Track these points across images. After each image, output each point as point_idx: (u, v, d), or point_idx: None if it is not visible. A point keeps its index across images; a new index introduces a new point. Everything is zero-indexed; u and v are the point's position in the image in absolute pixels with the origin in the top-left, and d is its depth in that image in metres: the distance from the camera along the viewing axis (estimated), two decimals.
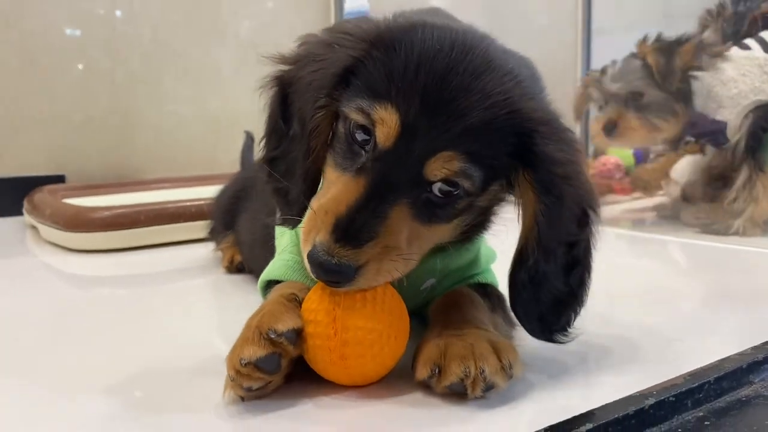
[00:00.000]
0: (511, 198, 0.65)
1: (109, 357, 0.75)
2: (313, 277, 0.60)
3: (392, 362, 0.62)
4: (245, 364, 0.57)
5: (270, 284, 0.77)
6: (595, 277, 0.65)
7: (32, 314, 0.94)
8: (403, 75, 0.59)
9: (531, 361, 0.66)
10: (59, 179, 1.85)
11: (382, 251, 0.58)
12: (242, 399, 0.59)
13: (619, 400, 0.56)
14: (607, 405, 0.55)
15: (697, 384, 0.59)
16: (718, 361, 0.64)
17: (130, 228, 1.35)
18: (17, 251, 1.44)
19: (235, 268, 1.12)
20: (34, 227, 1.53)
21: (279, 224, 0.75)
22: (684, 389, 0.58)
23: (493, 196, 0.66)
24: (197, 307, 1.00)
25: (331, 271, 0.57)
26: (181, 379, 0.67)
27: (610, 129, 1.74)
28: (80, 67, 1.91)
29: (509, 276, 0.65)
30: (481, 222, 0.70)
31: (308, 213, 0.61)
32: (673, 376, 0.61)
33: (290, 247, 0.76)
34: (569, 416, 0.54)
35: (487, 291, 0.76)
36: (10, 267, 1.31)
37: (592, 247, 0.65)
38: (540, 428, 0.52)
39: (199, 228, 1.33)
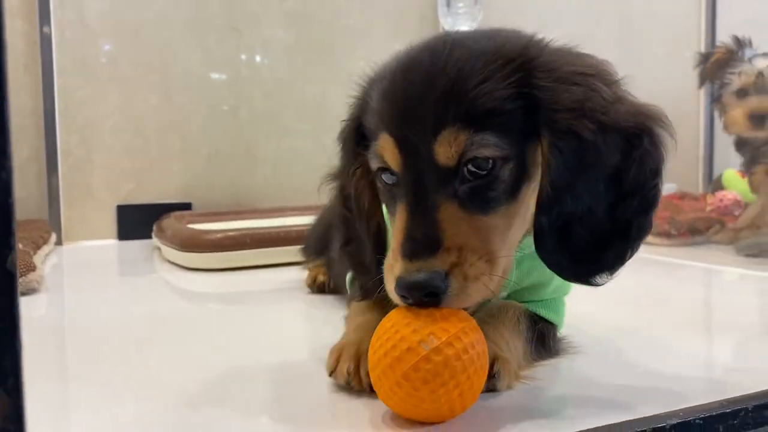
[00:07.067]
0: None
1: (197, 360, 0.84)
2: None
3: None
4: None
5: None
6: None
7: (142, 321, 1.07)
8: (380, 101, 0.63)
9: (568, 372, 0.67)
10: (186, 207, 2.03)
11: (460, 255, 0.57)
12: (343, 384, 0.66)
13: (642, 418, 0.57)
14: (626, 422, 0.56)
15: (731, 410, 0.58)
16: (766, 390, 0.62)
17: (237, 250, 1.47)
18: (143, 269, 1.61)
19: (317, 287, 1.20)
20: (159, 248, 1.70)
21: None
22: (715, 413, 0.57)
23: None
24: (288, 323, 1.07)
25: (425, 285, 0.56)
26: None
27: (760, 118, 1.62)
28: (225, 108, 2.12)
29: (532, 225, 0.62)
30: None
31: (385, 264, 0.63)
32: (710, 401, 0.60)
33: None
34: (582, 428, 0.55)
35: (537, 323, 0.76)
36: (136, 281, 1.49)
37: (649, 173, 0.60)
38: None
39: (299, 252, 1.41)
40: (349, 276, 0.87)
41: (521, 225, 0.65)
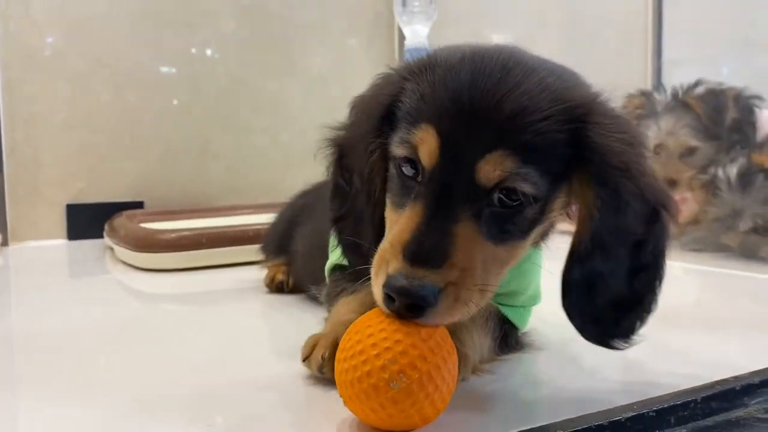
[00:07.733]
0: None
1: (154, 365, 0.82)
2: (386, 311, 0.57)
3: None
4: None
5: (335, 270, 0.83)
6: None
7: (94, 325, 1.03)
8: (433, 92, 0.60)
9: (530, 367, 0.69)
10: (138, 205, 1.99)
11: (460, 276, 0.56)
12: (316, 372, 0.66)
13: (599, 412, 0.58)
14: (583, 416, 0.57)
15: (681, 402, 0.60)
16: (712, 382, 0.65)
17: (193, 249, 1.44)
18: (95, 270, 1.57)
19: (275, 286, 1.19)
20: (111, 248, 1.66)
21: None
22: (666, 405, 0.59)
23: (563, 205, 0.65)
24: (247, 324, 1.05)
25: (415, 295, 0.55)
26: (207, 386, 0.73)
27: (673, 183, 1.73)
28: (178, 104, 2.07)
29: (562, 275, 0.63)
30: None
31: (376, 255, 0.60)
32: (663, 393, 0.62)
33: None
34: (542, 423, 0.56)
35: (505, 323, 0.77)
36: (88, 283, 1.45)
37: (663, 250, 0.63)
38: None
39: (257, 251, 1.40)
40: (329, 264, 0.83)
41: (516, 263, 0.66)
